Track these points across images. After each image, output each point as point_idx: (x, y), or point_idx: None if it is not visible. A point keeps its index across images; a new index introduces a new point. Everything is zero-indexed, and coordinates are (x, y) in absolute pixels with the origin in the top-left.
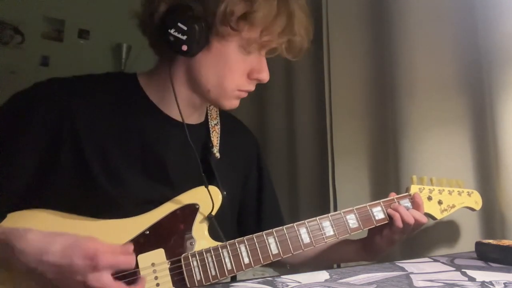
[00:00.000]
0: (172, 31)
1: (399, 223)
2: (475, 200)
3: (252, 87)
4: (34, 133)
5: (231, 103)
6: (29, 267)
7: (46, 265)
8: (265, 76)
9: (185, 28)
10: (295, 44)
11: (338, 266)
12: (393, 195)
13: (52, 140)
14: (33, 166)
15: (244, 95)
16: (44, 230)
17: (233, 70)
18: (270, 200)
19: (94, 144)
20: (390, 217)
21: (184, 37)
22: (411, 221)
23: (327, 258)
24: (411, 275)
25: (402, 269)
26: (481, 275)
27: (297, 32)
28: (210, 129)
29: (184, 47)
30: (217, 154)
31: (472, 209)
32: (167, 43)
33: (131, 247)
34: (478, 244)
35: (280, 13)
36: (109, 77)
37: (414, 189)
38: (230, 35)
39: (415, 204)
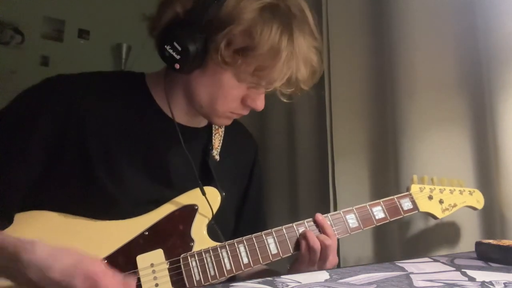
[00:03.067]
0: (167, 47)
1: (305, 251)
2: (477, 199)
3: (245, 112)
4: (43, 127)
5: (222, 122)
6: (32, 281)
7: (48, 281)
8: (259, 106)
9: (180, 49)
10: (290, 89)
11: (338, 266)
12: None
13: (59, 134)
14: (41, 161)
15: (237, 116)
16: (51, 241)
17: (226, 95)
18: (250, 212)
19: (99, 141)
20: (298, 248)
21: (178, 57)
22: (316, 245)
23: None
24: (411, 275)
25: (402, 269)
26: (481, 275)
27: (293, 81)
28: (213, 131)
29: (177, 66)
30: (217, 156)
31: (474, 208)
32: (162, 57)
33: (133, 282)
34: (478, 244)
35: (280, 58)
36: (118, 76)
37: (414, 188)
38: (224, 64)
39: (320, 227)
